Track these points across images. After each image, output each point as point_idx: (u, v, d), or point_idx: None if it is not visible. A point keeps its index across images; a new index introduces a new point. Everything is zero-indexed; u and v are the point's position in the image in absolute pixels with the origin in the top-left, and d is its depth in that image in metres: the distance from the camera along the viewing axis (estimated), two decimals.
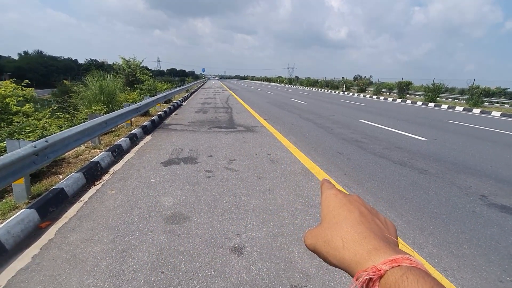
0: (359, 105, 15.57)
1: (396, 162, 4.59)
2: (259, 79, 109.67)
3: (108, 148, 4.58)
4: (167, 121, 8.05)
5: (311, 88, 40.50)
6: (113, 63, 16.95)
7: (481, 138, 7.19)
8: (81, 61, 66.57)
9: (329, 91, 34.38)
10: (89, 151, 4.71)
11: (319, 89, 37.66)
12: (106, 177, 3.62)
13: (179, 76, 76.28)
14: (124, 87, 13.76)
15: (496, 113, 13.97)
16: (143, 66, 17.00)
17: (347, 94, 28.85)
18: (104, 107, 7.18)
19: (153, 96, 10.32)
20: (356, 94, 27.63)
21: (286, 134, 6.46)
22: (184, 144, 5.29)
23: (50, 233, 2.37)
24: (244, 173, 3.82)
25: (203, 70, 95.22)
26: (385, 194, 3.30)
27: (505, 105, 21.99)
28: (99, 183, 3.43)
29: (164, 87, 16.61)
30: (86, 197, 3.04)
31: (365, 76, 59.53)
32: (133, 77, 15.44)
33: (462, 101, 23.34)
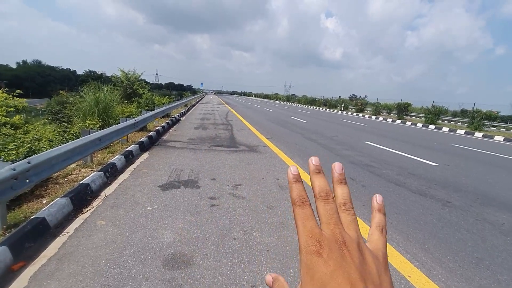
0: (360, 125, 15.41)
1: (415, 192, 4.24)
2: (256, 95, 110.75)
3: (100, 167, 4.16)
4: (165, 137, 7.67)
5: (308, 106, 40.72)
6: (111, 75, 16.74)
7: (493, 165, 6.92)
8: (80, 72, 66.64)
9: (327, 109, 34.52)
10: (80, 170, 4.29)
11: (317, 108, 37.84)
12: (96, 202, 3.19)
13: (177, 90, 76.61)
14: (121, 99, 13.46)
15: (499, 138, 13.87)
16: (141, 79, 16.81)
17: (346, 113, 28.91)
18: (99, 121, 6.80)
19: (151, 110, 10.00)
20: (355, 114, 27.68)
21: (292, 156, 6.11)
22: (184, 164, 4.90)
23: (23, 279, 1.93)
24: (252, 201, 3.42)
25: (201, 85, 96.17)
26: (413, 232, 2.92)
27: (501, 129, 22.13)
28: (87, 210, 3.00)
29: (163, 101, 16.35)
30: (71, 228, 2.60)
31: (360, 96, 60.40)
32: (131, 89, 15.17)
33: (459, 123, 23.47)
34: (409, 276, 2.15)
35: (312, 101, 44.39)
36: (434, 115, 20.04)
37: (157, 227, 2.64)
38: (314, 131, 10.85)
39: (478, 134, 15.06)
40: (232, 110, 20.82)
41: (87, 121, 6.44)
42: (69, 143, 3.52)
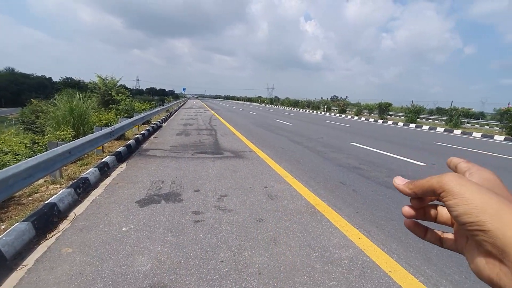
0: (344, 126, 15.51)
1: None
2: (239, 98, 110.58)
3: (71, 183, 3.77)
4: (145, 145, 7.26)
5: (292, 108, 40.93)
6: (89, 82, 16.03)
7: (477, 162, 6.99)
8: (56, 79, 63.84)
9: (311, 111, 34.81)
10: (47, 187, 3.87)
11: (301, 110, 38.09)
12: (63, 225, 2.82)
13: (158, 95, 75.04)
14: (99, 107, 12.85)
15: (477, 134, 14.34)
16: (120, 85, 16.19)
17: (329, 114, 29.22)
18: (72, 131, 6.32)
19: (130, 117, 9.53)
20: (337, 115, 28.03)
21: (279, 161, 5.90)
22: (165, 175, 4.56)
23: None
24: (239, 214, 3.16)
25: (184, 89, 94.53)
26: (413, 241, 2.75)
27: (476, 125, 23.10)
28: (52, 235, 2.63)
29: (143, 107, 15.77)
30: (31, 259, 2.24)
31: (341, 97, 61.62)
32: (109, 96, 14.55)
33: (436, 121, 24.27)
34: None
35: (295, 103, 44.71)
36: (414, 114, 20.57)
37: (133, 252, 2.33)
38: (299, 134, 10.73)
39: (457, 131, 15.53)
40: (215, 114, 20.47)
41: (59, 132, 5.95)
42: (30, 158, 3.12)
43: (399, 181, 0.34)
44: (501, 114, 15.44)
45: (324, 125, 15.68)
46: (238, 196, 3.72)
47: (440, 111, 28.97)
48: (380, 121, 21.70)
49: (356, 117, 25.34)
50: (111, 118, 9.94)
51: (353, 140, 9.67)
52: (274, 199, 3.67)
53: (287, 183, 4.41)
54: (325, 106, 34.26)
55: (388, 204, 3.72)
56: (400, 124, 19.58)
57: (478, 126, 22.61)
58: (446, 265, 2.37)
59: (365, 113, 29.21)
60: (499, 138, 13.41)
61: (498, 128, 18.11)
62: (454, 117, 17.77)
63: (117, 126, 6.56)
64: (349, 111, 31.85)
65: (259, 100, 76.84)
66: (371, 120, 22.68)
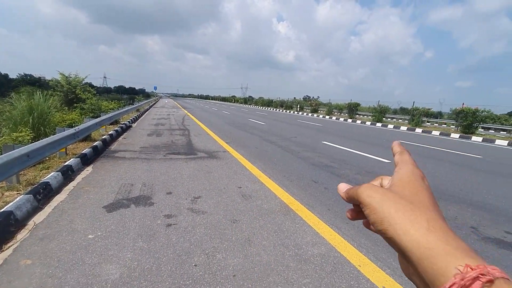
0: (316, 125, 15.93)
1: None
2: (213, 98, 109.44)
3: (30, 189, 3.48)
4: (113, 146, 6.92)
5: (266, 108, 41.26)
6: (50, 79, 14.95)
7: (436, 158, 7.56)
8: (13, 75, 58.61)
9: (284, 111, 35.34)
10: (2, 194, 3.55)
11: (274, 109, 38.53)
12: (21, 235, 2.60)
13: (128, 94, 71.98)
14: (62, 106, 12.05)
15: (435, 132, 15.45)
16: (86, 83, 15.30)
17: (302, 114, 29.87)
18: (31, 133, 5.85)
19: (96, 117, 9.03)
20: (310, 114, 28.74)
21: (253, 160, 5.91)
22: (135, 178, 4.38)
23: None
24: (214, 215, 3.13)
25: (155, 88, 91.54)
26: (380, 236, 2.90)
27: (435, 124, 24.92)
28: (9, 246, 2.42)
29: (111, 106, 15.02)
30: None
31: (313, 97, 63.29)
32: (73, 94, 13.69)
33: (400, 120, 25.79)
34: (383, 287, 2.07)
35: (269, 103, 45.14)
36: (380, 113, 21.67)
37: (100, 261, 2.21)
38: (273, 133, 10.85)
39: (419, 130, 16.62)
40: (189, 114, 20.06)
41: (15, 133, 5.48)
42: None
43: (341, 188, 0.35)
44: (457, 114, 16.76)
45: (297, 124, 16.00)
46: (212, 198, 3.68)
47: (403, 111, 30.86)
48: (350, 120, 22.60)
49: (327, 117, 26.16)
50: (75, 118, 9.34)
51: (325, 139, 9.97)
52: (249, 199, 3.67)
53: (261, 183, 4.43)
54: (298, 106, 34.98)
55: None
56: (368, 123, 20.54)
57: (437, 124, 24.42)
58: None
59: (335, 113, 30.25)
60: (455, 135, 14.56)
61: (454, 126, 19.63)
62: (416, 116, 18.99)
63: (82, 126, 6.19)
64: (321, 110, 32.79)
65: (233, 99, 76.55)
66: (342, 119, 23.54)
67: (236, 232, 2.77)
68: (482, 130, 19.92)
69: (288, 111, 34.14)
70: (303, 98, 52.70)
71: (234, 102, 68.87)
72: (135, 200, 3.47)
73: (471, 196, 4.36)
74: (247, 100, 61.55)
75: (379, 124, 19.59)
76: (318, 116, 27.16)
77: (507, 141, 12.53)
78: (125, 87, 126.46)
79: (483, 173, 6.16)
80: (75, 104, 12.94)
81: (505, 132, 20.33)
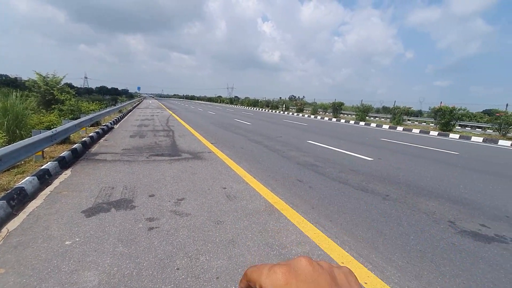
0: (301, 125, 16.09)
1: (357, 188, 4.42)
2: (199, 98, 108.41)
3: (3, 195, 3.31)
4: (94, 149, 6.71)
5: (252, 108, 41.28)
6: (27, 79, 14.31)
7: (415, 155, 7.79)
8: None
9: (270, 110, 35.48)
10: None
11: (260, 109, 38.61)
12: None
13: (110, 95, 70.11)
14: (39, 107, 11.58)
15: (416, 130, 15.96)
16: (65, 83, 14.77)
17: (287, 113, 30.09)
18: (4, 135, 5.57)
19: (76, 118, 8.73)
20: (295, 114, 28.99)
21: (238, 161, 5.89)
22: (116, 181, 4.26)
23: None
24: (197, 217, 3.08)
25: (139, 88, 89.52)
26: (362, 232, 2.95)
27: (415, 122, 25.77)
28: None
29: (92, 108, 14.55)
30: None
31: (298, 97, 63.93)
32: (51, 95, 13.18)
33: (382, 119, 26.48)
34: (365, 283, 2.10)
35: (255, 103, 45.19)
36: (363, 112, 22.16)
37: (78, 268, 2.12)
38: (259, 133, 10.86)
39: (400, 128, 17.11)
40: (173, 114, 19.76)
41: None
42: None
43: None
44: (435, 112, 17.39)
45: (283, 124, 16.09)
46: (196, 199, 3.62)
47: (385, 109, 31.70)
48: (334, 119, 22.98)
49: (312, 116, 26.47)
50: (54, 120, 8.98)
51: (309, 138, 10.08)
52: (233, 200, 3.65)
53: (246, 183, 4.42)
54: (284, 106, 35.21)
55: (340, 198, 3.94)
56: (352, 122, 20.95)
57: (417, 123, 25.26)
58: (391, 252, 2.58)
59: (320, 112, 30.67)
60: (434, 133, 15.10)
61: (433, 124, 20.35)
62: (397, 115, 19.56)
63: (60, 128, 5.95)
64: (306, 110, 33.15)
65: (219, 100, 76.10)
66: (326, 118, 23.90)
67: (220, 234, 2.74)
68: (459, 127, 20.77)
69: (274, 111, 34.30)
70: (288, 98, 53.14)
71: (220, 103, 68.48)
72: (115, 204, 3.37)
73: (448, 192, 4.52)
74: (233, 100, 61.37)
75: (362, 123, 20.02)
76: (303, 115, 27.44)
77: (482, 138, 13.11)
78: (107, 88, 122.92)
79: (460, 169, 6.40)
80: (53, 106, 12.46)
81: (480, 129, 21.27)
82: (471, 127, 22.78)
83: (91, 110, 13.23)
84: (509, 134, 14.43)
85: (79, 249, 2.38)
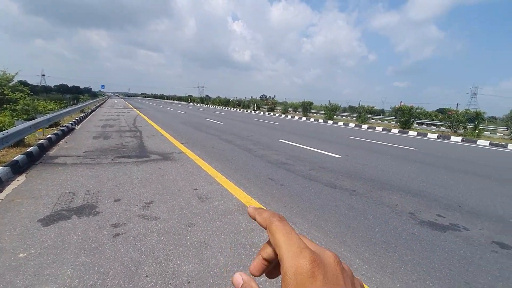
0: (272, 124, 16.28)
1: (327, 185, 4.57)
2: (168, 97, 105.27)
3: None
4: (52, 152, 6.22)
5: (223, 107, 40.97)
6: None
7: (378, 152, 8.24)
8: None
9: (241, 110, 35.46)
10: None
11: (232, 108, 38.44)
12: None
13: (71, 94, 65.63)
14: None
15: (379, 128, 16.90)
16: (19, 81, 13.57)
17: (258, 113, 30.29)
18: None
19: (31, 119, 8.04)
20: (267, 113, 29.28)
21: (210, 161, 5.81)
22: (77, 186, 3.99)
23: None
24: (167, 221, 2.98)
25: (103, 87, 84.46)
26: (331, 227, 3.06)
27: (378, 121, 27.28)
28: None
29: (50, 107, 13.49)
30: None
31: (269, 96, 64.71)
32: (1, 94, 12.05)
33: (349, 118, 27.71)
34: None
35: (226, 102, 44.90)
36: (331, 111, 22.99)
37: (33, 282, 1.95)
38: (230, 132, 10.80)
39: (364, 126, 18.02)
40: (141, 114, 18.97)
41: None
42: None
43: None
44: (396, 111, 18.54)
45: (254, 123, 16.17)
46: (166, 202, 3.51)
47: (351, 109, 33.20)
48: (304, 118, 23.58)
49: (283, 115, 26.92)
50: (5, 120, 8.18)
51: (281, 137, 10.23)
52: (205, 201, 3.59)
53: (218, 183, 4.37)
54: (255, 105, 35.38)
55: (310, 195, 4.05)
56: (321, 121, 21.65)
57: (380, 121, 26.77)
58: (358, 245, 2.70)
59: (291, 111, 31.29)
60: (395, 131, 16.11)
61: (393, 122, 21.69)
62: (362, 114, 20.57)
63: (12, 130, 5.43)
64: (277, 109, 33.62)
65: (189, 99, 74.48)
66: (296, 117, 24.44)
67: (192, 236, 2.68)
68: (417, 125, 22.33)
69: (245, 111, 34.32)
70: (259, 97, 53.53)
71: (190, 102, 67.07)
72: (77, 211, 3.15)
73: (409, 185, 4.85)
74: (204, 100, 60.44)
75: (330, 122, 20.76)
76: (274, 115, 27.80)
77: (437, 135, 14.23)
78: (67, 86, 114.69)
79: (418, 164, 6.89)
80: (5, 106, 11.39)
81: (434, 127, 23.07)
82: (427, 124, 24.63)
83: (49, 110, 12.26)
84: (459, 131, 15.81)
85: (35, 262, 2.18)
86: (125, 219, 2.97)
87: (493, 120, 30.13)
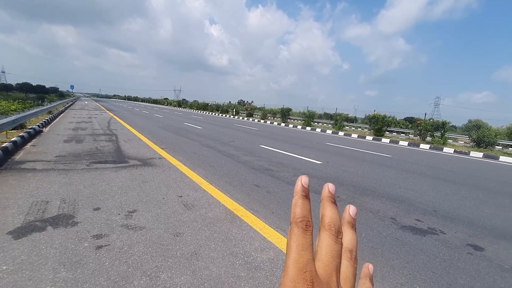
0: (252, 129, 16.31)
1: (311, 191, 4.62)
2: (143, 100, 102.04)
3: None
4: (18, 156, 5.75)
5: (201, 112, 40.47)
6: None
7: (357, 159, 8.54)
8: None
9: (220, 114, 35.22)
10: None
11: (210, 113, 38.08)
12: None
13: (36, 93, 61.53)
14: None
15: (354, 135, 17.53)
16: None
17: (237, 118, 30.24)
18: None
19: None
20: (245, 118, 29.32)
21: (193, 167, 5.67)
22: (50, 193, 3.70)
23: None
24: (153, 230, 2.85)
25: (72, 87, 79.89)
26: None
27: (352, 128, 28.37)
28: None
29: (13, 107, 12.51)
30: None
31: (247, 101, 65.05)
32: None
33: (325, 124, 28.53)
34: None
35: (204, 106, 44.41)
36: (309, 118, 23.52)
37: None
38: (211, 138, 10.66)
39: (341, 133, 18.61)
40: (115, 117, 18.18)
41: None
42: None
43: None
44: (369, 119, 19.37)
45: (234, 128, 16.11)
46: (150, 210, 3.36)
47: (326, 115, 34.24)
48: (283, 124, 23.90)
49: (262, 121, 27.09)
50: None
51: (262, 143, 10.27)
52: (191, 209, 3.48)
53: (203, 190, 4.27)
54: (234, 110, 35.32)
55: None
56: (299, 127, 22.06)
57: (354, 128, 27.83)
58: None
59: (269, 117, 31.58)
60: (369, 138, 16.81)
61: (367, 130, 22.65)
62: (338, 121, 21.27)
63: None
64: (255, 115, 33.78)
65: (165, 102, 72.69)
66: (275, 123, 24.71)
67: (181, 247, 2.58)
68: (388, 133, 23.47)
69: (224, 115, 34.13)
70: (237, 102, 53.55)
71: (167, 105, 65.49)
72: (52, 221, 2.91)
73: (388, 191, 5.05)
74: (181, 103, 59.30)
75: (308, 128, 21.22)
76: (253, 120, 27.91)
77: (407, 142, 15.04)
78: (31, 85, 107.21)
79: (394, 170, 7.21)
80: None
81: (403, 134, 24.37)
82: (397, 132, 25.97)
83: (12, 110, 11.36)
84: (427, 139, 16.84)
85: (8, 280, 1.98)
86: (108, 230, 2.79)
87: (453, 128, 32.51)
